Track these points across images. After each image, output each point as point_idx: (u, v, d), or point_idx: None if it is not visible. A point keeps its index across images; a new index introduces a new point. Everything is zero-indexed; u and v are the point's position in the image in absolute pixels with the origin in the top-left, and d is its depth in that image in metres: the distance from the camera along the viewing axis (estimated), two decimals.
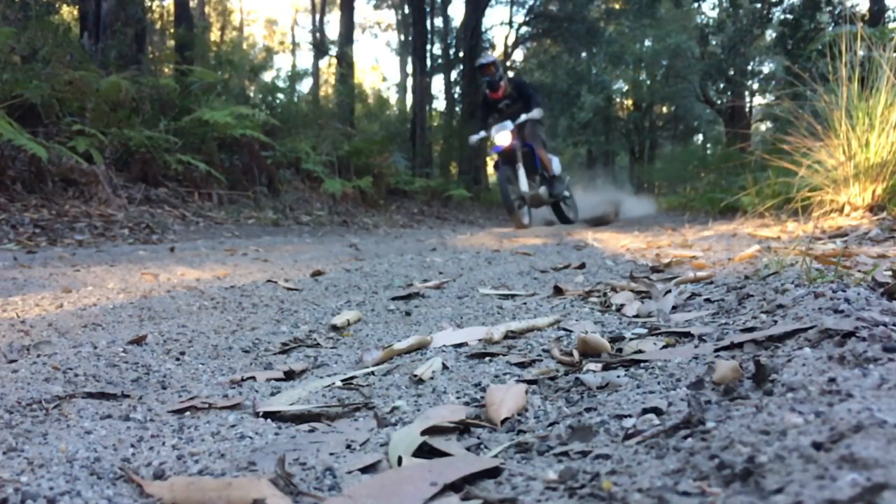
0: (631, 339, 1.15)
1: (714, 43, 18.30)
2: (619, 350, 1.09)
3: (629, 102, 26.62)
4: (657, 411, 0.73)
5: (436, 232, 7.54)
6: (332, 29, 22.67)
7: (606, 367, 0.98)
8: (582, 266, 2.42)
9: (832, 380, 0.65)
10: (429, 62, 17.88)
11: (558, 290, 1.79)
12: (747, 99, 20.76)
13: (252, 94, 10.92)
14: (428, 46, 17.82)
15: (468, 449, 0.72)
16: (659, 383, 0.85)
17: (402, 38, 25.62)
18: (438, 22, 20.73)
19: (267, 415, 0.87)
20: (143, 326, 1.45)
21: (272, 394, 0.98)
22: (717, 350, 0.95)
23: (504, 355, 1.13)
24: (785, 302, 1.12)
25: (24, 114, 5.42)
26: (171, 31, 12.57)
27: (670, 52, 20.45)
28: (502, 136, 7.44)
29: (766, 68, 21.16)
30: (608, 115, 24.68)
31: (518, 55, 22.14)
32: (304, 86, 19.91)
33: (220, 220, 6.33)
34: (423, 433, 0.73)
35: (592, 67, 20.48)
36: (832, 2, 12.95)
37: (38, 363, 1.04)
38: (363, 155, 10.07)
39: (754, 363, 0.77)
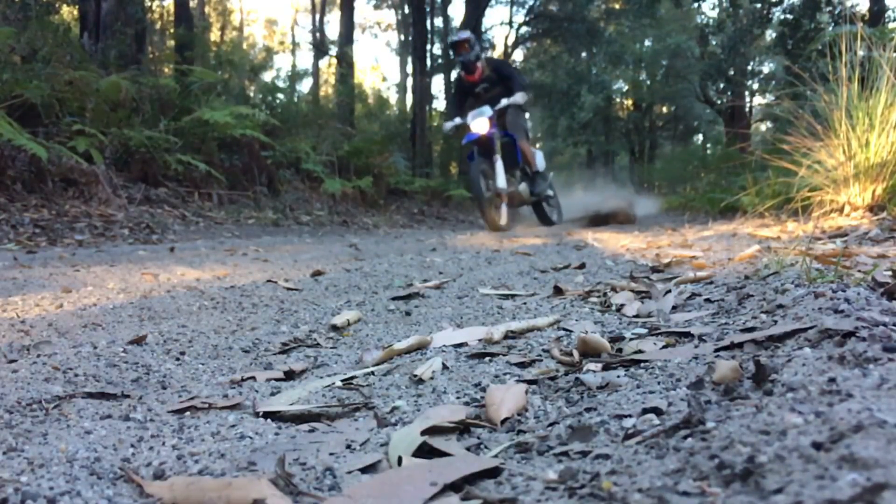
0: (631, 339, 1.15)
1: (714, 43, 18.30)
2: (619, 350, 1.09)
3: (629, 102, 26.61)
4: (657, 411, 0.73)
5: (436, 232, 7.44)
6: (332, 29, 22.68)
7: (606, 367, 0.98)
8: (582, 266, 2.42)
9: (832, 380, 0.65)
10: (429, 62, 17.88)
11: (558, 290, 1.79)
12: (747, 99, 20.76)
13: (252, 94, 10.92)
14: (428, 46, 17.82)
15: (468, 449, 0.72)
16: (659, 383, 0.85)
17: (402, 38, 25.62)
18: (438, 22, 20.73)
19: (267, 415, 0.87)
20: (143, 326, 1.45)
21: (272, 394, 0.98)
22: (717, 350, 0.95)
23: (504, 355, 1.13)
24: (785, 302, 1.12)
25: (24, 114, 5.42)
26: (171, 31, 12.57)
27: (670, 52, 20.45)
28: (479, 122, 6.48)
29: (766, 68, 21.16)
30: (608, 115, 24.67)
31: (518, 55, 22.14)
32: (304, 86, 19.93)
33: (220, 220, 6.33)
34: (423, 433, 0.73)
35: (592, 67, 20.48)
36: (832, 2, 12.95)
37: (38, 363, 1.04)
38: (363, 155, 10.07)
39: (754, 363, 0.77)
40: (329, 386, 1.00)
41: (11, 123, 4.83)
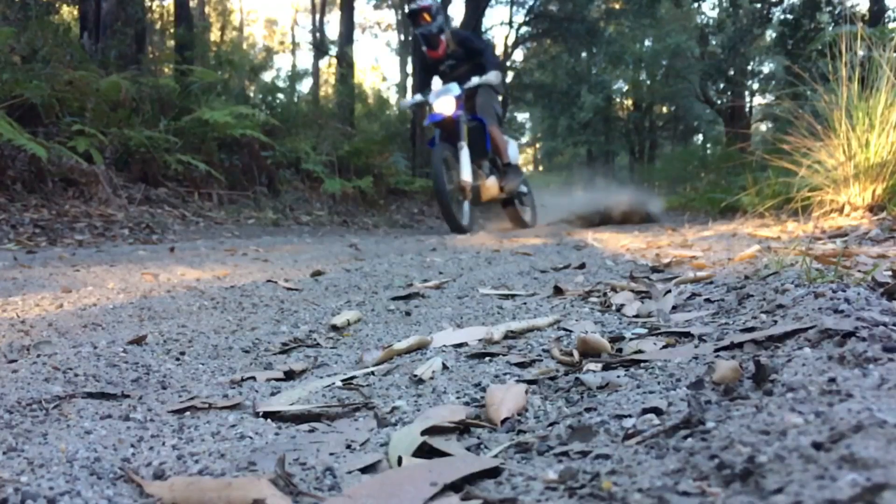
0: (631, 339, 1.15)
1: (714, 43, 18.30)
2: (619, 350, 1.09)
3: (629, 102, 26.62)
4: (657, 411, 0.73)
5: (436, 232, 7.32)
6: (332, 29, 22.67)
7: (606, 367, 0.98)
8: (582, 266, 2.42)
9: (832, 380, 0.65)
10: None
11: (558, 290, 1.79)
12: (747, 99, 20.76)
13: (252, 94, 10.92)
14: None
15: (468, 449, 0.72)
16: (659, 383, 0.85)
17: (402, 38, 25.61)
18: None
19: (267, 415, 0.87)
20: (143, 326, 1.45)
21: (272, 394, 0.98)
22: (717, 350, 0.95)
23: (504, 355, 1.13)
24: (785, 302, 1.12)
25: (24, 114, 5.42)
26: (171, 31, 12.57)
27: (670, 52, 20.45)
28: (444, 102, 5.60)
29: (766, 68, 21.17)
30: (608, 115, 24.68)
31: (518, 55, 22.14)
32: (304, 86, 19.91)
33: (220, 220, 6.33)
34: (423, 433, 0.73)
35: (592, 67, 20.49)
36: (832, 2, 12.96)
37: (38, 363, 1.04)
38: (363, 155, 10.07)
39: (754, 363, 0.77)
40: (329, 386, 1.00)
41: (11, 123, 4.84)
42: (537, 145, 35.32)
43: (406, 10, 6.66)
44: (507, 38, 19.94)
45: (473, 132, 5.89)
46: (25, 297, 1.78)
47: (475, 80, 5.82)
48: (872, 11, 12.11)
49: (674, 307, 1.42)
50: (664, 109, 26.66)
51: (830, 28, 11.09)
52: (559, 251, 3.32)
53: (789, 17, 14.02)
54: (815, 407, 0.60)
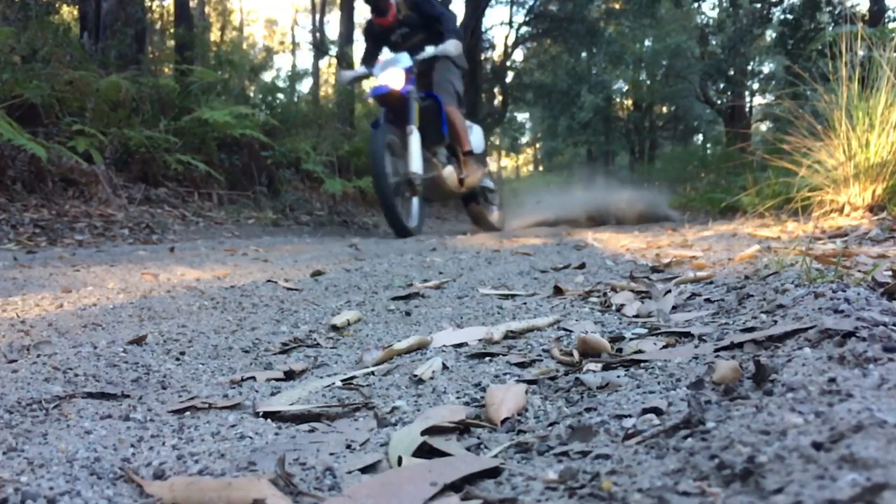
0: (631, 339, 1.15)
1: (714, 43, 18.30)
2: (619, 350, 1.09)
3: (629, 102, 26.62)
4: (657, 411, 0.73)
5: (435, 232, 7.33)
6: (332, 29, 22.66)
7: (606, 367, 0.98)
8: (582, 266, 2.42)
9: (832, 380, 0.65)
10: None
11: (558, 290, 1.79)
12: (747, 99, 20.76)
13: (252, 94, 10.91)
14: None
15: (468, 449, 0.72)
16: (659, 383, 0.85)
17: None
18: None
19: (267, 415, 0.87)
20: (143, 326, 1.45)
21: (272, 394, 0.98)
22: (717, 350, 0.95)
23: (504, 355, 1.13)
24: (785, 302, 1.12)
25: (24, 114, 5.42)
26: (171, 31, 12.57)
27: (670, 52, 20.45)
28: (390, 74, 4.73)
29: (766, 68, 21.17)
30: (608, 115, 24.68)
31: (518, 55, 22.14)
32: (304, 86, 19.89)
33: (220, 220, 6.33)
34: (423, 433, 0.73)
35: (592, 67, 20.48)
36: (832, 2, 12.96)
37: (38, 363, 1.04)
38: (363, 155, 10.06)
39: (754, 363, 0.77)
40: (329, 386, 1.00)
41: (11, 123, 4.83)
42: (537, 145, 35.32)
43: None
44: (507, 38, 19.94)
45: (426, 113, 4.96)
46: (25, 297, 1.78)
47: (430, 51, 4.91)
48: (872, 11, 12.11)
49: (674, 307, 1.42)
50: (664, 109, 26.65)
51: (830, 28, 11.09)
52: (559, 251, 3.32)
53: (789, 17, 14.02)
54: (815, 407, 0.60)
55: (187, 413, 0.88)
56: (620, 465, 0.59)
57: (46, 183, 5.17)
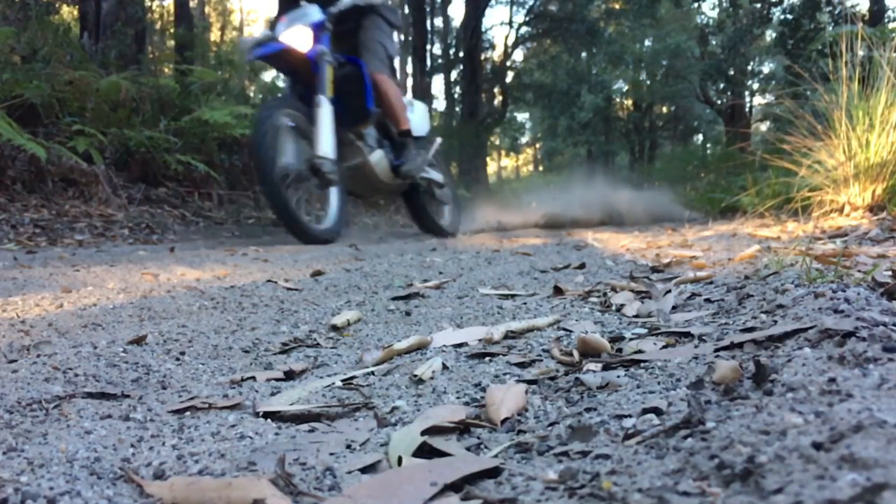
0: (631, 339, 1.15)
1: (714, 43, 18.30)
2: (619, 350, 1.09)
3: (629, 102, 26.62)
4: (657, 411, 0.73)
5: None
6: None
7: (606, 367, 0.98)
8: (582, 266, 2.42)
9: (832, 380, 0.65)
10: (429, 62, 17.88)
11: (558, 290, 1.79)
12: (747, 99, 20.76)
13: (252, 94, 10.91)
14: (428, 46, 17.82)
15: (468, 449, 0.72)
16: (659, 383, 0.85)
17: (402, 38, 25.61)
18: (438, 22, 20.74)
19: (267, 415, 0.87)
20: (143, 326, 1.45)
21: (272, 394, 0.98)
22: (717, 350, 0.95)
23: (504, 355, 1.13)
24: (785, 302, 1.12)
25: (24, 114, 5.42)
26: (171, 31, 12.57)
27: (670, 52, 20.45)
28: (293, 33, 3.74)
29: (766, 68, 21.18)
30: (608, 115, 24.68)
31: (518, 55, 22.15)
32: None
33: (220, 220, 6.33)
34: (423, 433, 0.73)
35: (592, 67, 20.49)
36: (832, 2, 12.96)
37: (38, 363, 1.04)
38: None
39: (754, 363, 0.77)
40: (329, 386, 1.00)
41: (11, 123, 4.83)
42: (537, 145, 35.32)
43: None
44: (507, 38, 19.95)
45: (346, 82, 3.90)
46: (25, 297, 1.78)
47: (347, 1, 3.84)
48: (872, 11, 12.11)
49: (674, 307, 1.42)
50: (664, 109, 26.65)
51: (830, 28, 11.09)
52: (559, 251, 3.32)
53: (789, 17, 14.03)
54: (815, 407, 0.60)
55: (187, 413, 0.88)
56: (620, 465, 0.59)
57: (46, 183, 5.17)
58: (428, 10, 18.04)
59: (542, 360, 1.08)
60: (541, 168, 36.24)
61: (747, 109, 20.54)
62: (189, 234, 5.41)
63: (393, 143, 4.55)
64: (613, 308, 1.51)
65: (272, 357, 1.23)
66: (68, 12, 9.79)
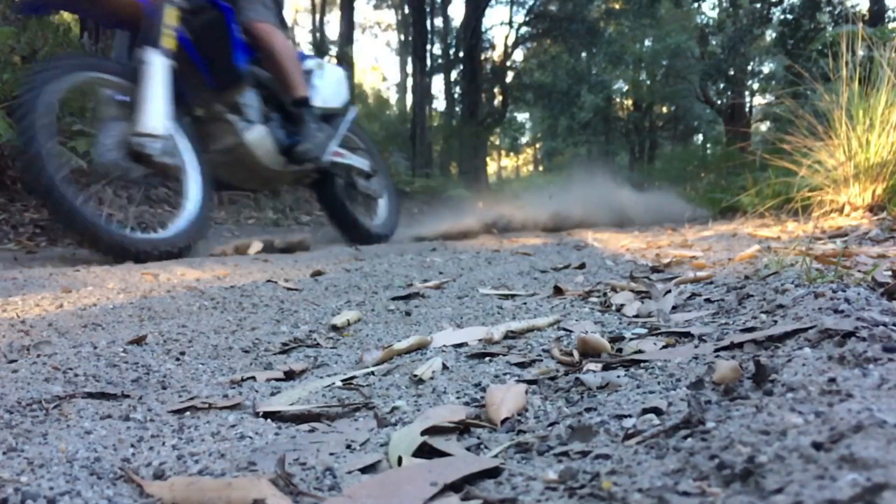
0: (631, 339, 1.15)
1: (714, 43, 18.31)
2: (619, 350, 1.09)
3: (629, 102, 26.62)
4: (657, 411, 0.73)
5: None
6: (332, 29, 22.66)
7: (606, 367, 0.98)
8: (582, 266, 2.42)
9: (832, 380, 0.65)
10: (429, 62, 17.89)
11: (558, 290, 1.79)
12: (747, 99, 20.77)
13: None
14: (428, 46, 17.83)
15: (468, 449, 0.72)
16: (659, 383, 0.85)
17: (402, 38, 25.62)
18: (438, 22, 20.76)
19: (267, 415, 0.87)
20: (143, 326, 1.45)
21: (272, 394, 0.98)
22: (717, 350, 0.95)
23: (504, 355, 1.13)
24: (785, 302, 1.12)
25: None
26: None
27: (670, 52, 20.46)
28: None
29: (766, 68, 21.18)
30: (608, 115, 24.68)
31: (518, 55, 22.16)
32: None
33: (220, 220, 6.33)
34: (423, 433, 0.73)
35: (592, 67, 20.49)
36: (832, 2, 12.96)
37: (38, 363, 1.04)
38: None
39: (754, 363, 0.77)
40: (329, 386, 1.01)
41: (11, 124, 4.83)
42: (537, 145, 35.33)
43: None
44: (507, 38, 19.96)
45: (207, 33, 2.95)
46: (25, 297, 1.78)
47: None
48: (872, 11, 12.12)
49: (674, 307, 1.42)
50: (664, 109, 26.66)
51: (830, 28, 11.09)
52: (559, 251, 3.32)
53: (789, 17, 14.03)
54: (815, 407, 0.60)
55: (187, 413, 0.88)
56: (620, 465, 0.59)
57: None
58: (428, 10, 18.05)
59: (542, 360, 1.08)
60: (541, 168, 36.24)
61: (747, 109, 20.54)
62: None
63: (286, 115, 3.46)
64: (613, 308, 1.51)
65: (272, 357, 1.23)
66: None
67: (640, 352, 1.04)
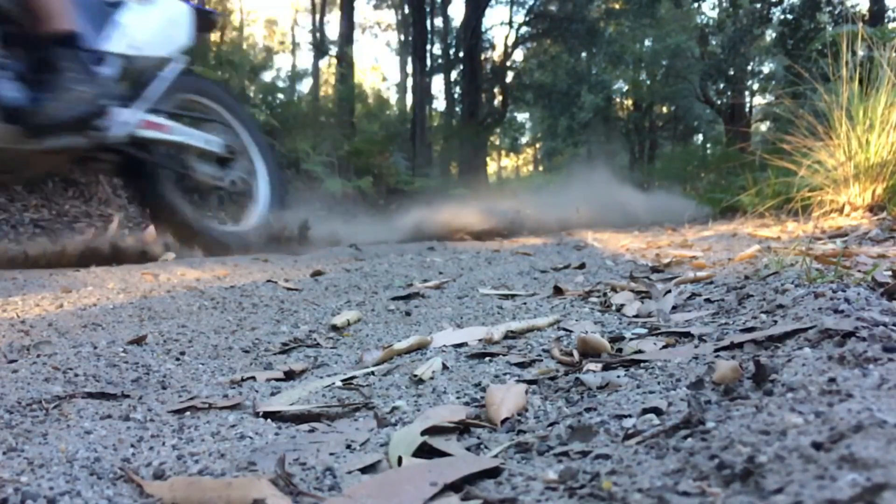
0: (631, 339, 1.15)
1: (714, 43, 18.31)
2: (619, 350, 1.09)
3: (629, 102, 26.60)
4: (657, 411, 0.73)
5: None
6: (332, 29, 22.65)
7: (606, 367, 0.98)
8: (582, 266, 2.42)
9: (832, 380, 0.65)
10: (429, 62, 17.89)
11: (558, 290, 1.79)
12: (747, 99, 20.76)
13: (252, 94, 10.92)
14: (428, 46, 17.83)
15: (468, 449, 0.72)
16: (659, 383, 0.85)
17: (402, 38, 25.61)
18: (438, 22, 20.75)
19: (267, 415, 0.87)
20: (143, 326, 1.45)
21: (272, 394, 0.98)
22: (717, 350, 0.95)
23: (504, 355, 1.13)
24: (785, 302, 1.12)
25: None
26: None
27: (670, 52, 20.43)
28: None
29: (766, 68, 21.18)
30: (608, 115, 24.65)
31: (518, 55, 22.15)
32: (304, 86, 19.93)
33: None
34: (423, 433, 0.73)
35: (592, 67, 20.49)
36: (832, 2, 12.96)
37: (38, 363, 1.04)
38: (363, 155, 10.08)
39: (754, 363, 0.77)
40: (329, 386, 1.01)
41: None
42: (537, 145, 35.31)
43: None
44: (507, 38, 19.96)
45: None
46: (25, 297, 1.78)
47: None
48: (872, 11, 12.12)
49: (674, 307, 1.42)
50: (664, 109, 26.64)
51: (830, 28, 11.09)
52: (559, 251, 3.32)
53: (789, 17, 14.03)
54: (815, 407, 0.60)
55: (187, 413, 0.88)
56: (620, 465, 0.59)
57: (46, 183, 5.17)
58: (428, 10, 18.05)
59: (542, 360, 1.08)
60: (541, 168, 36.23)
61: (747, 109, 20.54)
62: None
63: (39, 65, 2.35)
64: (613, 308, 1.51)
65: (272, 357, 1.23)
66: None
67: (640, 352, 1.04)
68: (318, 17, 23.43)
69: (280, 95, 11.24)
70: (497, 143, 29.97)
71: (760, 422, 0.59)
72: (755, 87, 21.16)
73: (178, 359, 1.18)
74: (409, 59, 19.72)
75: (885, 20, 11.87)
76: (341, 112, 13.33)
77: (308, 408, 0.88)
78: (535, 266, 2.55)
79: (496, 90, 21.04)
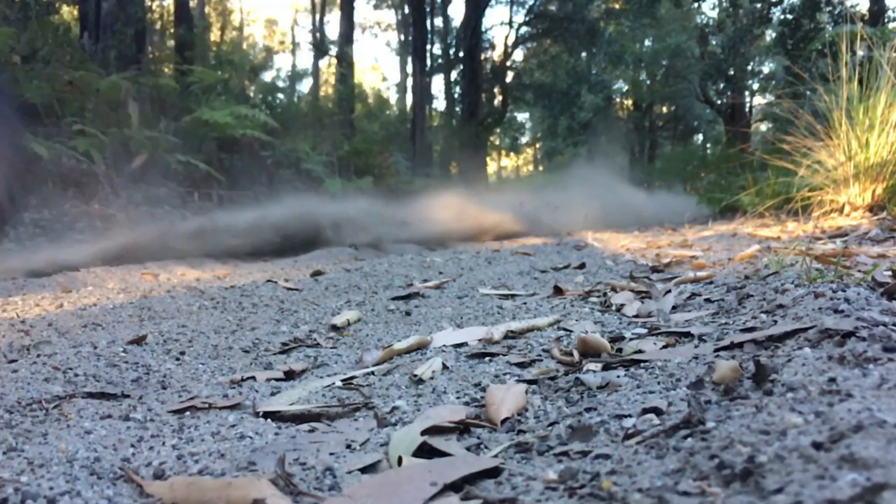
0: (631, 339, 1.15)
1: (714, 43, 18.30)
2: (619, 350, 1.09)
3: (629, 102, 26.59)
4: (657, 411, 0.72)
5: None
6: (332, 29, 22.64)
7: (606, 367, 0.98)
8: (582, 266, 2.42)
9: (832, 380, 0.65)
10: (429, 62, 17.89)
11: (558, 290, 1.79)
12: (747, 99, 20.75)
13: (252, 94, 10.92)
14: (428, 46, 17.83)
15: (468, 449, 0.72)
16: (659, 383, 0.85)
17: (402, 38, 25.60)
18: (438, 22, 20.75)
19: (267, 415, 0.87)
20: (143, 326, 1.45)
21: (272, 394, 0.98)
22: (717, 350, 0.95)
23: (504, 355, 1.13)
24: (785, 302, 1.12)
25: (24, 114, 5.41)
26: (171, 31, 12.56)
27: (670, 52, 20.42)
28: None
29: (766, 68, 21.16)
30: (608, 115, 24.64)
31: (518, 55, 22.15)
32: (304, 86, 19.93)
33: None
34: (423, 433, 0.73)
35: (592, 67, 20.49)
36: (832, 2, 12.96)
37: (38, 363, 1.04)
38: (363, 155, 10.08)
39: (754, 363, 0.77)
40: (329, 386, 1.00)
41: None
42: (537, 145, 35.30)
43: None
44: (507, 38, 19.96)
45: None
46: (25, 297, 1.78)
47: None
48: (872, 11, 12.12)
49: (674, 307, 1.42)
50: (664, 109, 26.63)
51: (830, 28, 11.09)
52: (559, 251, 3.32)
53: (789, 17, 14.03)
54: (815, 407, 0.60)
55: (187, 413, 0.88)
56: (620, 465, 0.59)
57: (46, 183, 5.17)
58: (428, 10, 18.05)
59: (542, 360, 1.08)
60: (541, 168, 36.20)
61: (747, 109, 20.53)
62: None
63: None
64: (613, 308, 1.51)
65: (272, 357, 1.23)
66: (68, 12, 9.79)
67: (640, 352, 1.04)
68: (318, 16, 23.44)
69: (280, 95, 11.24)
70: (497, 142, 29.96)
71: (760, 422, 0.59)
72: (755, 87, 21.15)
73: (178, 359, 1.18)
74: (409, 59, 19.73)
75: (885, 20, 11.87)
76: (341, 112, 13.33)
77: (308, 408, 0.88)
78: (535, 266, 2.55)
79: (496, 90, 21.04)
